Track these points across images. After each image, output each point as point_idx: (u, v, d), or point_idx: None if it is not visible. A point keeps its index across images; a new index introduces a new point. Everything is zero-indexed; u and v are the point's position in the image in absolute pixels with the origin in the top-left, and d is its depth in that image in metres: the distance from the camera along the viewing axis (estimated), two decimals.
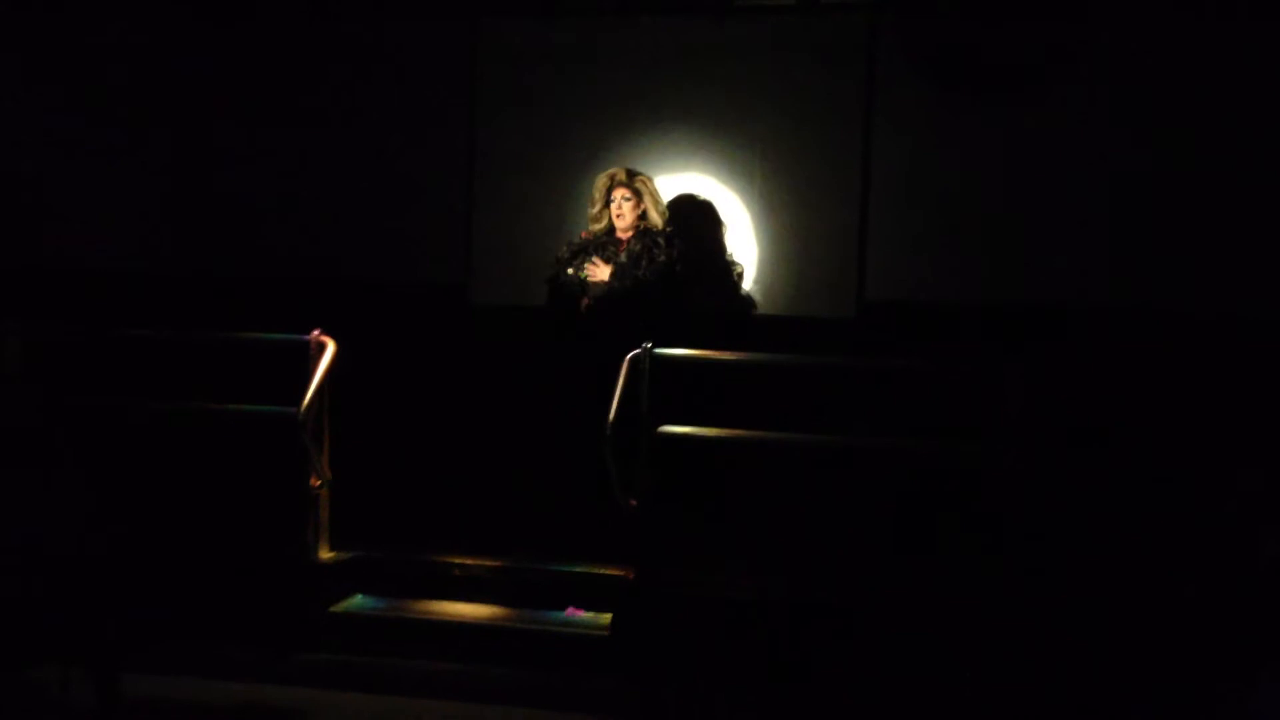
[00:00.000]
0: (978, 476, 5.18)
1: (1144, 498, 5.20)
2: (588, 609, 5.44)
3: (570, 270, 6.06)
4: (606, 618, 5.32)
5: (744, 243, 6.67)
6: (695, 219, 6.58)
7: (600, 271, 6.01)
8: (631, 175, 6.17)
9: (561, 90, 6.94)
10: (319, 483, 5.62)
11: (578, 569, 5.56)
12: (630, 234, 6.08)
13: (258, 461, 5.64)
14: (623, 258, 6.01)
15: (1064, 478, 5.22)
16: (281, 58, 7.11)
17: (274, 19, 7.14)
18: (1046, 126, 6.38)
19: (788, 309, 6.60)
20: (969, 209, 6.44)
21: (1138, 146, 6.24)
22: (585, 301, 6.02)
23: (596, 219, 6.16)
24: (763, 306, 6.61)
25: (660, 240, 6.05)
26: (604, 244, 6.09)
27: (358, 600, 5.57)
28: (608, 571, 5.48)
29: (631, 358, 5.37)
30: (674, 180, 6.70)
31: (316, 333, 5.59)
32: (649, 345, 5.36)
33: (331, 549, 5.68)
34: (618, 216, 6.08)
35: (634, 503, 5.33)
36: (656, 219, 6.12)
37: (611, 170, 6.19)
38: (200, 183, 7.14)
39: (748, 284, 6.64)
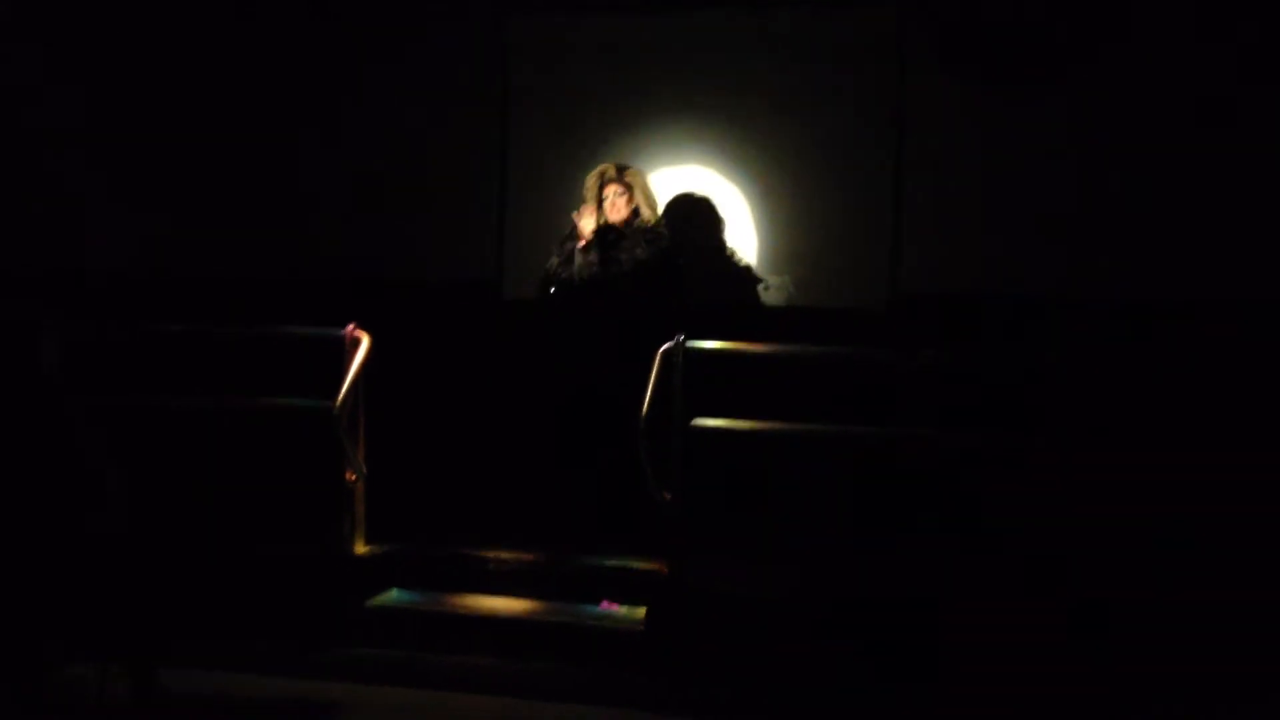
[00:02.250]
0: (1016, 468, 5.15)
1: (1184, 494, 5.12)
2: (622, 603, 5.43)
3: (554, 261, 6.09)
4: (641, 611, 5.31)
5: (774, 236, 6.66)
6: (710, 215, 6.59)
7: (586, 223, 6.03)
8: (621, 170, 6.18)
9: (592, 85, 6.96)
10: (354, 477, 5.64)
11: (612, 562, 5.55)
12: (625, 226, 6.11)
13: (293, 456, 5.65)
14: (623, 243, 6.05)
15: (1104, 470, 5.16)
16: (313, 57, 7.14)
17: (306, 18, 7.17)
18: (1081, 114, 6.34)
19: (820, 301, 6.58)
20: (1003, 200, 6.40)
21: (1177, 133, 6.18)
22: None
23: (587, 217, 6.14)
24: (796, 299, 6.60)
25: (654, 230, 6.06)
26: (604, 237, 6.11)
27: (393, 594, 5.59)
28: (642, 565, 5.47)
29: (664, 350, 5.36)
30: (702, 173, 6.71)
31: (351, 327, 5.61)
32: (682, 338, 5.35)
33: (367, 543, 5.70)
34: (613, 210, 6.10)
35: (668, 496, 5.32)
36: (649, 214, 6.15)
37: (600, 167, 6.21)
38: (233, 183, 7.17)
39: (779, 277, 6.63)
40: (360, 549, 5.66)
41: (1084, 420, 5.20)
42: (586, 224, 6.11)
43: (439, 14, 7.11)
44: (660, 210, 6.33)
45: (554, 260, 6.19)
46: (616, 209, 6.12)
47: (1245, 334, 5.75)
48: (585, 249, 6.07)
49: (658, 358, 5.35)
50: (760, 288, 6.61)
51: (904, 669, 4.93)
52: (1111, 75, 6.31)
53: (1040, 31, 6.43)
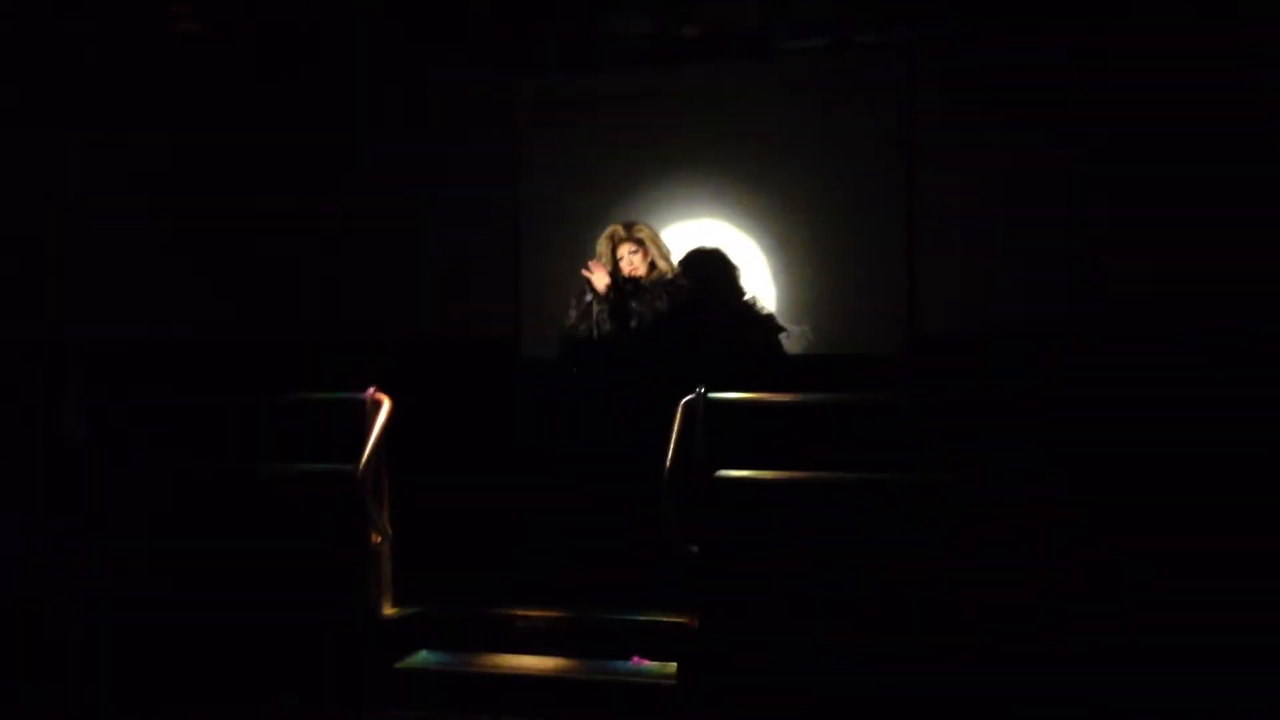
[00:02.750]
0: (1042, 511, 5.13)
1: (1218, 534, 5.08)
2: (652, 658, 5.39)
3: (573, 316, 6.10)
4: (672, 667, 5.27)
5: (790, 285, 6.68)
6: (728, 264, 6.61)
7: (599, 277, 6.03)
8: (630, 227, 6.23)
9: (604, 141, 7.03)
10: (379, 539, 5.63)
11: (641, 617, 5.51)
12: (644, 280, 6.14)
13: (319, 520, 5.66)
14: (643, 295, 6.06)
15: (1132, 511, 5.13)
16: (326, 122, 7.21)
17: (316, 80, 7.24)
18: (1095, 148, 6.36)
19: (840, 347, 6.59)
20: (1018, 237, 6.42)
21: (1192, 164, 6.19)
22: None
23: (599, 275, 6.16)
24: (815, 346, 6.61)
25: (674, 283, 6.08)
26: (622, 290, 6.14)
27: (422, 656, 5.56)
28: (671, 619, 5.44)
29: (686, 402, 5.36)
30: (716, 226, 6.73)
31: (372, 390, 5.62)
32: (702, 390, 5.36)
33: (394, 605, 5.68)
34: (631, 271, 6.13)
35: (694, 549, 5.30)
36: (665, 266, 6.17)
37: (610, 229, 6.25)
38: (246, 250, 7.22)
39: (797, 326, 6.63)
40: (388, 611, 5.64)
41: (1111, 458, 5.17)
42: (599, 279, 6.14)
43: (449, 76, 7.17)
44: (675, 262, 6.36)
45: (572, 315, 6.21)
46: (634, 267, 6.16)
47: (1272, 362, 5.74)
48: (604, 301, 6.09)
49: (679, 410, 5.35)
50: (782, 336, 6.62)
51: (937, 714, 4.90)
52: (1123, 108, 6.33)
53: (1050, 67, 6.46)
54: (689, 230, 6.89)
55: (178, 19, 7.21)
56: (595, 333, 6.10)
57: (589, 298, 6.18)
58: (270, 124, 7.27)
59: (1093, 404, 5.42)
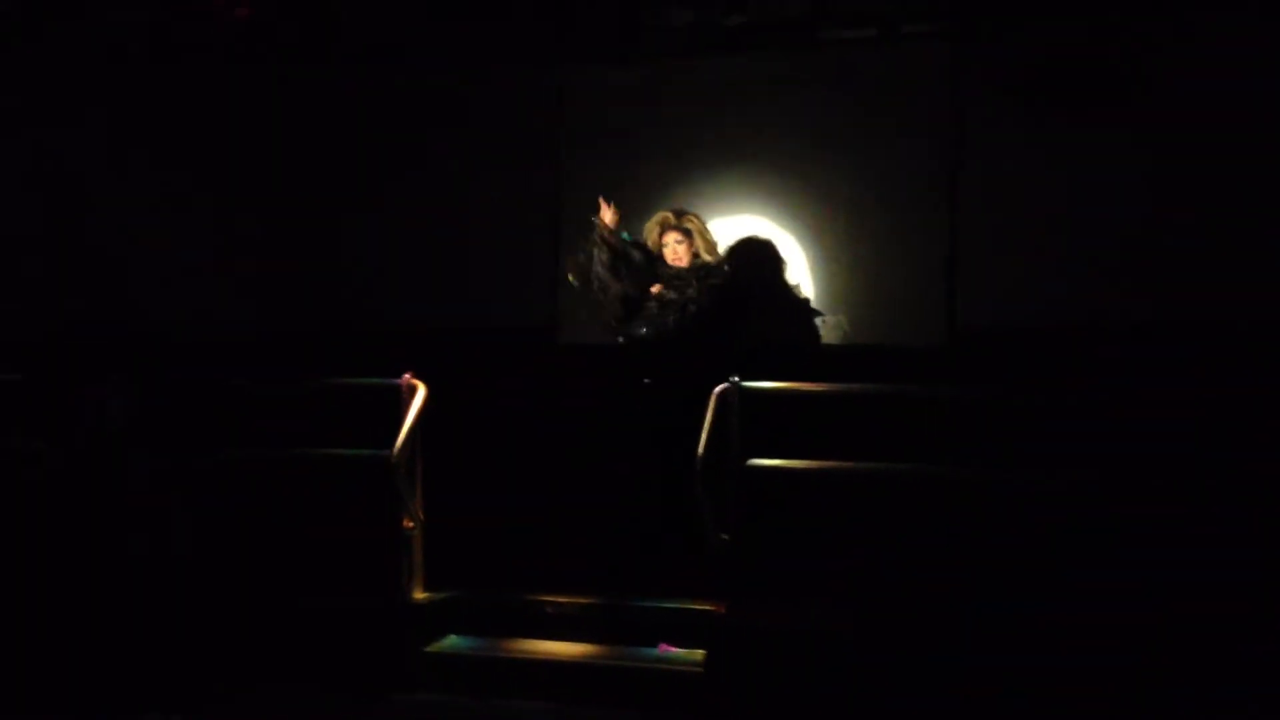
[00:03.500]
0: (1079, 506, 5.05)
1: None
2: (680, 645, 5.38)
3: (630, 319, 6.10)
4: (700, 654, 5.25)
5: (829, 276, 6.63)
6: (773, 257, 6.55)
7: (656, 287, 6.03)
8: (680, 215, 6.20)
9: (644, 130, 7.02)
10: (412, 524, 5.65)
11: (670, 605, 5.50)
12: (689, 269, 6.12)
13: (352, 505, 5.69)
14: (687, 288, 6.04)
15: (1173, 507, 5.03)
16: (369, 116, 7.25)
17: (360, 73, 7.28)
18: (1143, 141, 6.27)
19: (877, 339, 6.53)
20: (1061, 230, 6.33)
21: (1241, 158, 6.08)
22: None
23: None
24: (851, 337, 6.55)
25: (714, 270, 6.05)
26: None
27: (452, 640, 5.58)
28: (700, 607, 5.42)
29: (719, 391, 5.33)
30: (756, 220, 6.69)
31: (408, 376, 5.65)
32: (736, 379, 5.33)
33: (425, 590, 5.70)
34: (674, 258, 6.11)
35: (725, 537, 5.27)
36: (708, 258, 6.14)
37: (659, 216, 6.23)
38: (294, 239, 7.28)
39: (835, 314, 6.58)
40: (418, 596, 5.66)
41: (1154, 454, 5.08)
42: (606, 215, 6.12)
43: (493, 66, 7.19)
44: (719, 252, 6.31)
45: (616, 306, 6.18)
46: (677, 256, 6.14)
47: None
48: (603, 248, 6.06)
49: (713, 399, 5.32)
50: (819, 321, 6.57)
51: (966, 704, 4.83)
52: (1173, 100, 6.23)
53: (1099, 59, 6.36)
54: (730, 225, 6.85)
55: (229, 5, 7.29)
56: (647, 328, 6.08)
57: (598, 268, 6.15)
58: (312, 118, 7.32)
59: (1134, 399, 5.33)
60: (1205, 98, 6.17)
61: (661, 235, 6.20)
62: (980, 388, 5.90)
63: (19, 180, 7.29)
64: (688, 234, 6.18)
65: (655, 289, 6.11)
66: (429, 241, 7.15)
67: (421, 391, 5.61)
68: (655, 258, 6.18)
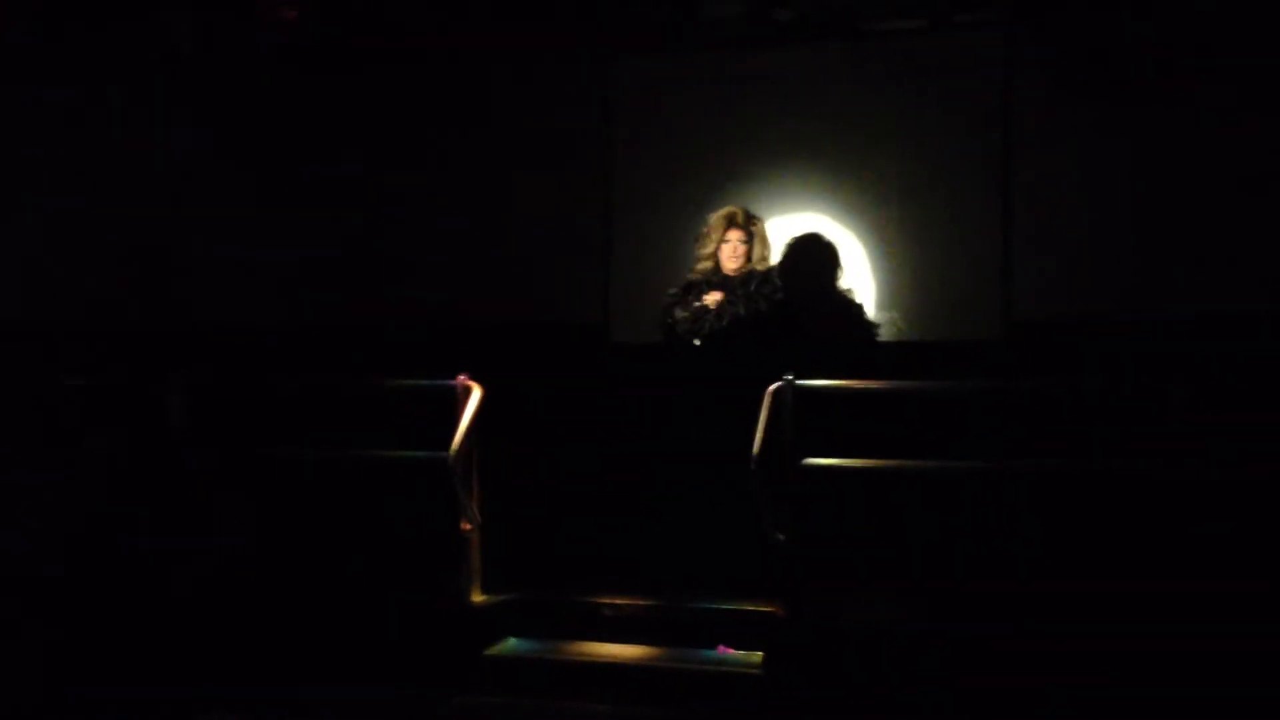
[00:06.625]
0: (1140, 499, 4.99)
1: None
2: (738, 647, 5.37)
3: (680, 313, 6.05)
4: (758, 656, 5.24)
5: (883, 271, 6.58)
6: (832, 257, 6.50)
7: (714, 296, 6.00)
8: (749, 219, 6.17)
9: (694, 126, 6.99)
10: (469, 526, 5.67)
11: (728, 606, 5.49)
12: (738, 275, 6.07)
13: (410, 506, 5.71)
14: (737, 292, 6.01)
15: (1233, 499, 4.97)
16: (420, 112, 7.26)
17: (409, 67, 7.28)
18: (1199, 131, 6.16)
19: (931, 334, 6.48)
20: (1117, 221, 6.25)
21: None
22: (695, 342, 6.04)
23: (705, 257, 6.12)
24: (905, 333, 6.50)
25: (769, 278, 6.01)
26: (712, 282, 6.08)
27: (510, 643, 5.60)
28: (758, 608, 5.41)
29: (774, 390, 5.31)
30: (806, 218, 6.65)
31: (463, 377, 5.66)
32: (790, 377, 5.30)
33: (484, 592, 5.72)
34: (730, 258, 6.07)
35: (782, 537, 5.25)
36: (764, 265, 6.11)
37: (730, 210, 6.18)
38: (346, 238, 7.31)
39: (886, 313, 6.53)
40: (477, 598, 5.68)
41: (1210, 446, 5.01)
42: (702, 265, 6.09)
43: (544, 61, 7.18)
44: (775, 257, 6.27)
45: (672, 293, 6.16)
46: (735, 255, 6.11)
47: None
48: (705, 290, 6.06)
49: (767, 397, 5.30)
50: (875, 321, 6.52)
51: (1031, 702, 4.80)
52: (1230, 90, 6.12)
53: (1155, 47, 6.26)
54: (784, 224, 6.80)
55: (275, 5, 7.32)
56: (694, 324, 6.06)
57: (678, 290, 6.13)
58: (362, 113, 7.34)
59: (1196, 394, 5.25)
60: (1273, 75, 6.04)
61: (727, 230, 6.16)
62: (1037, 381, 5.84)
63: (80, 182, 7.36)
64: (751, 238, 6.15)
65: (712, 298, 6.08)
66: (480, 238, 7.16)
67: (477, 393, 5.61)
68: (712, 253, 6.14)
